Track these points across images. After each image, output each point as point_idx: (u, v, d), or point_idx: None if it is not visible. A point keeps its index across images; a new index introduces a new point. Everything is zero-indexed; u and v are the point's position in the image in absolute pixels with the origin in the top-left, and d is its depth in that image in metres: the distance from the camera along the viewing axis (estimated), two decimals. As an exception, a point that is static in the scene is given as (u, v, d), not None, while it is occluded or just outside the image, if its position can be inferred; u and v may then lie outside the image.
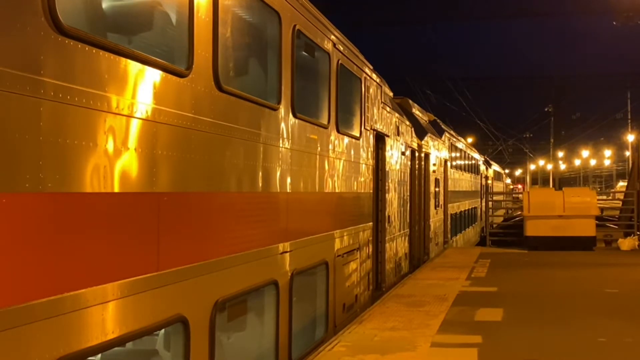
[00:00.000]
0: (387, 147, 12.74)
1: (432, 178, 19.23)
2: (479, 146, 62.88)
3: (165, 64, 4.73)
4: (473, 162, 35.24)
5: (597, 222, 19.60)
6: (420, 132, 17.82)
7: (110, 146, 4.03)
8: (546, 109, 67.61)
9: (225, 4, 5.75)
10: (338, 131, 9.23)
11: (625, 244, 19.32)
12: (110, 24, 4.78)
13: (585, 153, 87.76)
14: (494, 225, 24.89)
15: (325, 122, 8.76)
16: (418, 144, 16.96)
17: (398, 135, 14.00)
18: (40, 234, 3.50)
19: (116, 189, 4.11)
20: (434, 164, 19.73)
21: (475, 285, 12.89)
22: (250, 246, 6.15)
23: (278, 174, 6.94)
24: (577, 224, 19.02)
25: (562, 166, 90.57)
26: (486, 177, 44.91)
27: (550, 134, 69.45)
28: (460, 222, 28.07)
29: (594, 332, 8.63)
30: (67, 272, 3.69)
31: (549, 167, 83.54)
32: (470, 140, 56.49)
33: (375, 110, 11.76)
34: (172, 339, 5.22)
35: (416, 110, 19.55)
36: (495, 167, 63.44)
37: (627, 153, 65.35)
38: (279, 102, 6.94)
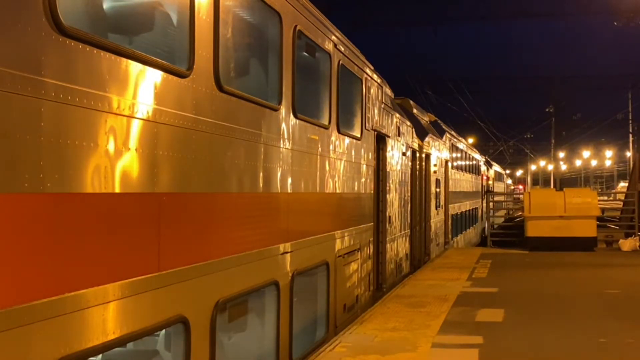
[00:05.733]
0: (388, 148, 12.73)
1: (433, 178, 19.22)
2: (479, 147, 62.76)
3: (166, 65, 4.73)
4: (474, 162, 35.24)
5: (598, 222, 19.59)
6: (421, 133, 17.82)
7: (111, 147, 4.03)
8: (547, 110, 67.53)
9: (226, 4, 5.75)
10: (339, 132, 9.23)
11: (626, 244, 19.31)
12: (111, 25, 4.78)
13: (586, 154, 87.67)
14: (495, 226, 24.88)
15: (326, 122, 8.76)
16: (419, 144, 16.96)
17: (399, 135, 14.00)
18: (40, 235, 3.50)
19: (117, 190, 4.11)
20: (435, 165, 19.73)
21: (476, 285, 12.88)
22: (251, 247, 6.15)
23: (279, 174, 6.94)
24: (578, 225, 19.02)
25: (563, 167, 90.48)
26: (487, 178, 44.90)
27: (551, 135, 69.37)
28: (461, 222, 28.05)
29: (595, 333, 8.62)
30: (68, 272, 3.69)
31: (550, 167, 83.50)
32: (471, 140, 56.41)
33: (376, 111, 11.76)
34: (172, 340, 5.22)
35: (417, 111, 19.54)
36: (496, 167, 63.42)
37: (628, 154, 65.33)
38: (279, 103, 6.94)
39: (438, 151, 20.57)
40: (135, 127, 4.31)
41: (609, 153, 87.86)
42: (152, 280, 4.45)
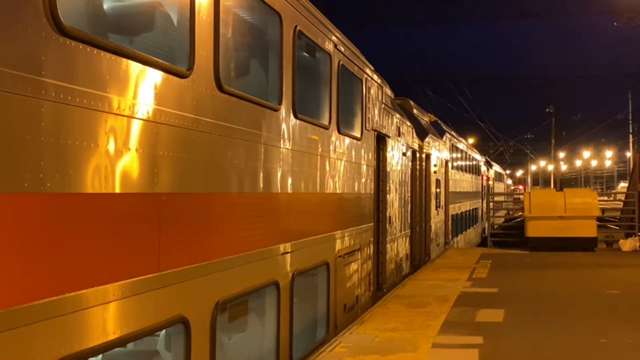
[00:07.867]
0: (388, 148, 12.73)
1: (433, 179, 19.22)
2: (480, 147, 62.76)
3: (166, 65, 4.73)
4: (474, 162, 35.24)
5: (598, 223, 19.59)
6: (421, 133, 17.82)
7: (111, 147, 4.03)
8: (547, 110, 67.53)
9: (226, 4, 5.75)
10: (339, 132, 9.23)
11: (626, 245, 19.31)
12: (111, 25, 4.79)
13: (586, 154, 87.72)
14: (495, 226, 24.88)
15: (326, 122, 8.76)
16: (419, 144, 16.96)
17: (399, 136, 14.00)
18: (40, 235, 3.50)
19: (117, 190, 4.11)
20: (435, 165, 19.73)
21: (476, 286, 12.88)
22: (251, 247, 6.15)
23: (279, 174, 6.94)
24: (578, 225, 19.01)
25: (563, 167, 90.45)
26: (487, 178, 44.90)
27: (551, 135, 69.37)
28: (461, 222, 28.05)
29: (595, 333, 8.62)
30: (68, 272, 3.69)
31: (550, 168, 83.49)
32: (471, 141, 56.40)
33: (376, 111, 11.76)
34: (173, 340, 5.22)
35: (417, 111, 19.54)
36: (496, 167, 63.39)
37: (628, 154, 65.32)
38: (280, 103, 6.94)
39: (438, 151, 20.57)
40: (136, 127, 4.31)
41: (609, 153, 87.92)
42: (152, 281, 4.45)
